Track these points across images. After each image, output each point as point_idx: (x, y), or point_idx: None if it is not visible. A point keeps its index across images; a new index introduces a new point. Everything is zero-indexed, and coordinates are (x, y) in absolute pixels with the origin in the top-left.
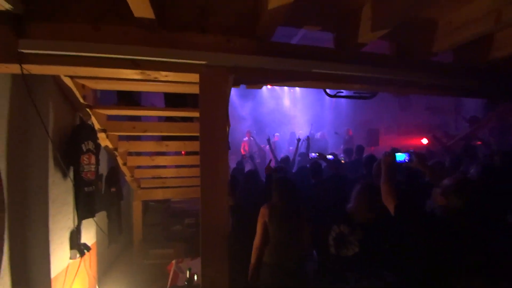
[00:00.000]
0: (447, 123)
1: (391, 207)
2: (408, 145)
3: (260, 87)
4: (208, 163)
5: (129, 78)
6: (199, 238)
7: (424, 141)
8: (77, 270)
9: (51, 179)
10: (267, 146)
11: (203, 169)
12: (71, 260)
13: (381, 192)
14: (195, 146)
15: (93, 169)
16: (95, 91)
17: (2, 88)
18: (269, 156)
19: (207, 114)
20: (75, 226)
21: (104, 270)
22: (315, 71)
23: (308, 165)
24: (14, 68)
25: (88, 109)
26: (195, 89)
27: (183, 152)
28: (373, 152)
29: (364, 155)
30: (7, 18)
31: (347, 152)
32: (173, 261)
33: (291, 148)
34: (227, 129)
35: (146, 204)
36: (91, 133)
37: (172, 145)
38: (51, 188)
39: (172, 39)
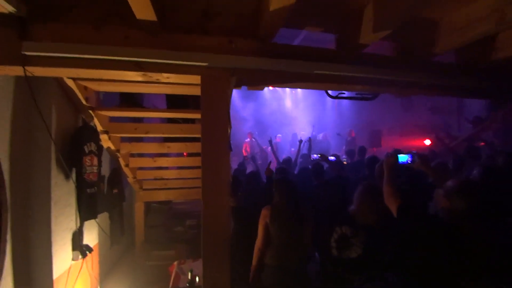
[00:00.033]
0: (450, 124)
1: (393, 209)
2: (410, 146)
3: (262, 88)
4: (209, 164)
5: (131, 80)
6: (201, 240)
7: (427, 142)
8: (79, 271)
9: (53, 180)
10: (269, 148)
11: (204, 170)
12: (73, 261)
13: (383, 194)
14: (197, 147)
15: (95, 171)
16: (97, 93)
17: (6, 90)
18: (271, 157)
19: (209, 115)
20: (77, 227)
21: (106, 271)
22: (317, 72)
23: (310, 167)
24: (18, 70)
25: (90, 111)
26: (196, 91)
27: (185, 154)
28: (376, 153)
29: (366, 156)
30: (10, 20)
31: (349, 153)
32: (175, 263)
33: (292, 149)
34: (229, 130)
35: (148, 206)
36: (94, 135)
37: (174, 147)
38: (54, 189)
39: (174, 41)
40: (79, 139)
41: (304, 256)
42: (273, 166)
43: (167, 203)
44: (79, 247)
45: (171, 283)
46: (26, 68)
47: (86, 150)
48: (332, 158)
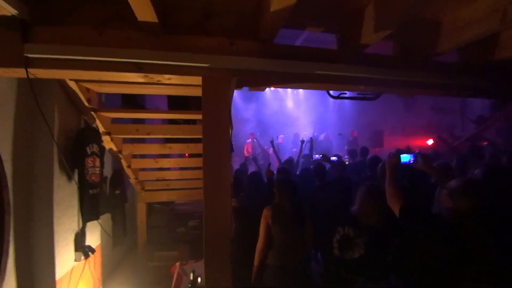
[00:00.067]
0: (453, 124)
1: (396, 209)
2: (413, 146)
3: (263, 89)
4: (211, 165)
5: (132, 82)
6: (203, 240)
7: (430, 142)
8: (82, 272)
9: (56, 181)
10: (271, 149)
11: (206, 171)
12: (76, 262)
13: (385, 194)
14: (198, 148)
15: (97, 172)
16: (99, 94)
17: (9, 92)
18: (273, 158)
19: (210, 116)
20: (80, 228)
21: (108, 272)
22: (318, 72)
23: (312, 167)
24: (20, 73)
25: (92, 112)
26: (198, 92)
27: (186, 154)
28: (378, 154)
29: (368, 156)
30: (13, 23)
31: (351, 153)
32: (177, 263)
33: (294, 150)
34: (230, 131)
35: (150, 206)
36: (96, 136)
37: (176, 147)
38: (56, 190)
39: (175, 42)
40: (81, 140)
41: (306, 256)
42: (275, 166)
43: (170, 203)
44: (81, 248)
45: (173, 284)
46: (29, 70)
47: (89, 152)
48: (334, 158)
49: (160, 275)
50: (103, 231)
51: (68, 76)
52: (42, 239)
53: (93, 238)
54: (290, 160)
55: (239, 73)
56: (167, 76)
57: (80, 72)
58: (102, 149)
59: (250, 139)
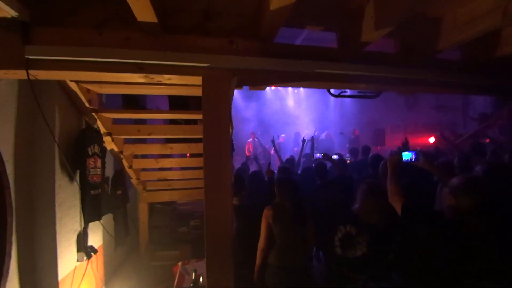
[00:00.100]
0: (455, 122)
1: (398, 207)
2: (414, 144)
3: (263, 88)
4: (211, 165)
5: (133, 82)
6: (204, 240)
7: (431, 139)
8: (84, 273)
9: (57, 182)
10: (272, 148)
11: (206, 171)
12: (78, 263)
13: (387, 192)
14: (199, 148)
15: (99, 172)
16: (100, 95)
17: (10, 94)
18: (274, 157)
19: (210, 116)
20: (82, 229)
21: (111, 272)
22: (318, 71)
23: (313, 165)
24: (21, 74)
25: (93, 113)
26: (198, 92)
27: (188, 154)
28: (379, 152)
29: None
30: (13, 25)
31: (353, 151)
32: (179, 263)
33: (295, 149)
34: (231, 130)
35: (152, 206)
36: (97, 137)
37: (177, 148)
38: (58, 191)
39: (175, 42)
40: (82, 141)
41: (307, 255)
42: (276, 166)
43: (171, 203)
44: (84, 248)
45: (175, 284)
46: (29, 71)
47: (90, 152)
48: (335, 157)
49: (162, 274)
50: (105, 232)
51: (68, 77)
52: (44, 240)
53: (95, 239)
54: (291, 159)
55: (239, 72)
56: (167, 76)
57: (80, 73)
58: (103, 149)
59: (251, 139)
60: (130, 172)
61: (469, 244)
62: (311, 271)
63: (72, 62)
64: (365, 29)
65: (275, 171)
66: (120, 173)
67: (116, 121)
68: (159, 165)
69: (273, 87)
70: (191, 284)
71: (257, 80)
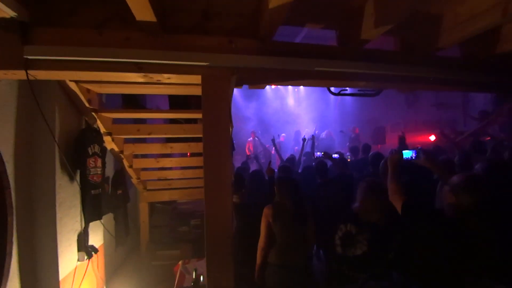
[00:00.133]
0: (455, 119)
1: (398, 206)
2: (415, 142)
3: (263, 87)
4: (211, 164)
5: (132, 82)
6: (204, 239)
7: (432, 137)
8: (85, 272)
9: (58, 182)
10: (273, 147)
11: (206, 169)
12: (79, 262)
13: (387, 190)
14: (199, 147)
15: (99, 172)
16: (100, 95)
17: (9, 94)
18: (275, 156)
19: (210, 115)
20: (83, 228)
21: (111, 272)
22: (318, 69)
23: (313, 164)
24: (21, 74)
25: (93, 113)
26: (197, 91)
27: (188, 154)
28: (380, 150)
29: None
30: (12, 25)
31: (353, 150)
32: (180, 262)
33: (296, 148)
34: (230, 129)
35: (152, 206)
36: (97, 137)
37: (177, 147)
38: (58, 191)
39: (174, 41)
40: (82, 141)
41: (308, 254)
42: (277, 165)
43: (172, 203)
44: (84, 248)
45: (175, 283)
46: (29, 72)
47: (90, 152)
48: (335, 155)
49: (163, 274)
50: (106, 231)
51: (68, 77)
52: (45, 240)
53: (96, 238)
54: (292, 158)
55: (238, 71)
56: (166, 75)
57: (80, 73)
58: (103, 149)
59: (251, 138)
60: (130, 171)
61: (469, 242)
62: (311, 269)
63: (71, 62)
64: (365, 27)
65: (275, 170)
66: (120, 172)
67: (116, 121)
68: (160, 165)
69: (273, 86)
70: (192, 284)
71: (257, 79)
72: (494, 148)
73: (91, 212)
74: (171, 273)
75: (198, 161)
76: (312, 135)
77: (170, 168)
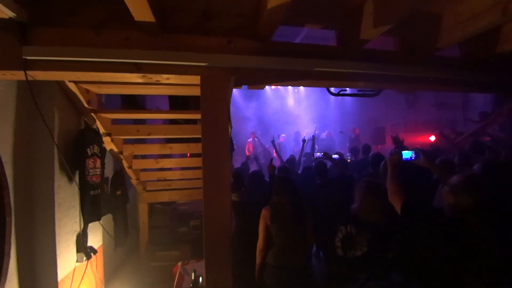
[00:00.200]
0: (455, 119)
1: (398, 206)
2: (414, 143)
3: (262, 88)
4: (210, 164)
5: (132, 82)
6: (203, 240)
7: (432, 138)
8: (84, 273)
9: (57, 183)
10: (273, 148)
11: (205, 170)
12: (77, 263)
13: (386, 190)
14: (199, 148)
15: (98, 173)
16: (99, 95)
17: (8, 94)
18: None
19: (209, 115)
20: (82, 229)
21: (110, 273)
22: (317, 69)
23: (313, 165)
24: (20, 75)
25: (92, 114)
26: (196, 91)
27: (188, 154)
28: (380, 151)
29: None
30: (11, 25)
31: (353, 150)
32: (179, 263)
33: (295, 149)
34: (229, 130)
35: (152, 207)
36: (96, 137)
37: (176, 148)
38: (57, 192)
39: (173, 42)
40: (81, 141)
41: (307, 255)
42: (276, 163)
43: (171, 204)
44: (83, 249)
45: (175, 284)
46: (28, 72)
47: (89, 153)
48: (335, 156)
49: (162, 275)
50: (105, 232)
51: (67, 77)
52: (43, 241)
53: (95, 239)
54: (291, 159)
55: (237, 71)
56: (165, 75)
57: (79, 74)
58: (102, 150)
59: (251, 138)
60: (129, 172)
61: (469, 242)
62: (310, 270)
63: (70, 63)
64: (364, 27)
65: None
66: (119, 173)
67: (115, 121)
68: (159, 165)
69: (273, 86)
70: (191, 285)
71: (256, 79)
72: (490, 147)
73: (90, 213)
74: (170, 274)
75: (197, 161)
76: (313, 136)
77: (169, 169)
